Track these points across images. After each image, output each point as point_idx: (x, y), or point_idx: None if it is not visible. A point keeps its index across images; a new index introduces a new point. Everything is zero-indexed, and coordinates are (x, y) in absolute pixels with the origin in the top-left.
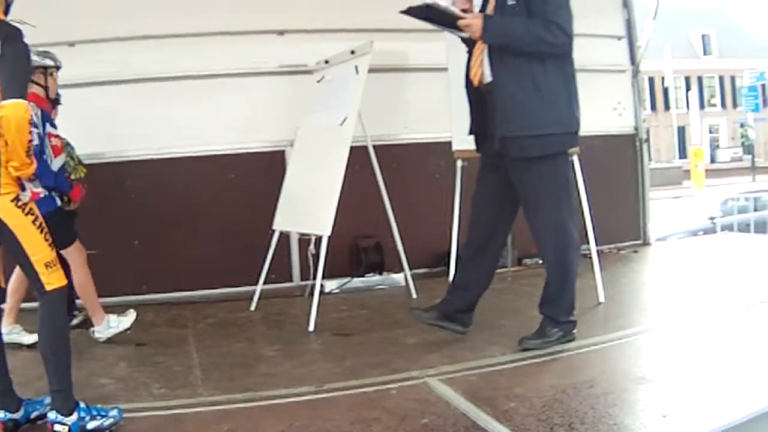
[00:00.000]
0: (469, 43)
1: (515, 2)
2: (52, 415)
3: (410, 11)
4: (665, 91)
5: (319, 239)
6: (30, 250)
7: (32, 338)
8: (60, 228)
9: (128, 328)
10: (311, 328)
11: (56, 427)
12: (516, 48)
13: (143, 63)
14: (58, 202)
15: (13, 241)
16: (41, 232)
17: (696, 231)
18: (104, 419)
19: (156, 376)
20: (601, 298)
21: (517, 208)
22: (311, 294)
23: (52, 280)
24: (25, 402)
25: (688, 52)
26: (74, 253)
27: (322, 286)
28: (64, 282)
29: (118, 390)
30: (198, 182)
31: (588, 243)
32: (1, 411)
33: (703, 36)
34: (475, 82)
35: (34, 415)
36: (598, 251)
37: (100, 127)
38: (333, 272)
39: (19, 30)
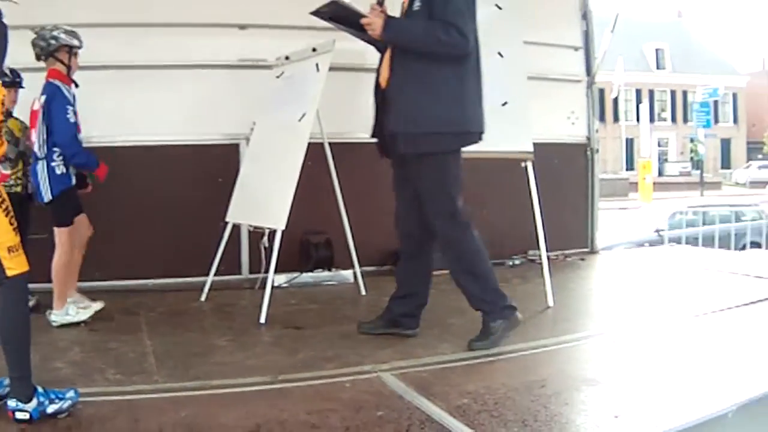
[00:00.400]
0: (382, 49)
1: (419, 8)
2: (12, 402)
3: (318, 12)
4: (615, 102)
5: (272, 233)
6: None
7: (98, 305)
8: (67, 207)
9: (84, 321)
10: (262, 320)
11: (17, 414)
12: (415, 47)
13: (103, 50)
14: (73, 181)
15: None
16: (6, 215)
17: (642, 242)
18: (62, 402)
19: (111, 361)
20: (550, 303)
21: None
22: (262, 287)
23: (14, 265)
24: (38, 394)
25: (641, 65)
26: (64, 235)
27: (274, 281)
28: (26, 268)
29: (74, 374)
30: (152, 172)
31: (538, 248)
32: (14, 401)
33: (657, 50)
34: (383, 85)
35: (50, 411)
36: (542, 257)
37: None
38: (282, 266)
39: None
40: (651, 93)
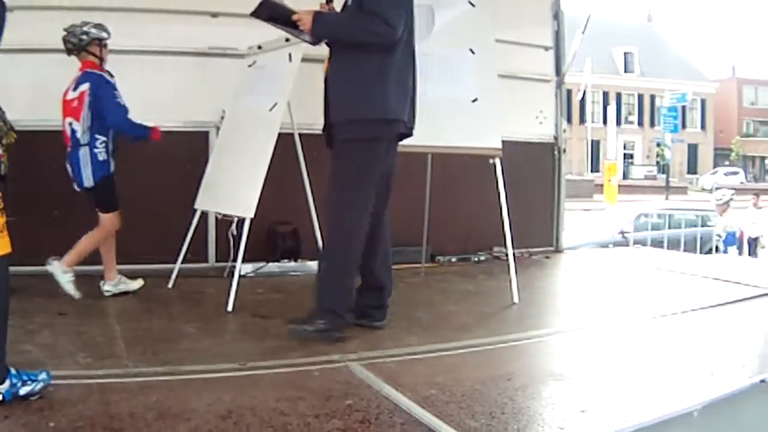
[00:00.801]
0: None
1: (352, 1)
2: None
3: (255, 14)
4: (582, 104)
5: (240, 221)
6: None
7: (138, 282)
8: (111, 192)
9: (134, 291)
10: (230, 308)
11: None
12: (345, 40)
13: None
14: (112, 168)
15: None
16: None
17: (606, 243)
18: (35, 384)
19: (80, 345)
20: (515, 299)
21: (381, 195)
22: (228, 275)
23: None
24: (11, 375)
25: (609, 68)
26: (107, 221)
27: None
28: (8, 250)
29: (44, 357)
30: (119, 158)
31: (504, 245)
32: None
33: (625, 53)
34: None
35: (22, 392)
36: (508, 253)
37: (26, 95)
38: (249, 256)
39: None
40: (618, 96)
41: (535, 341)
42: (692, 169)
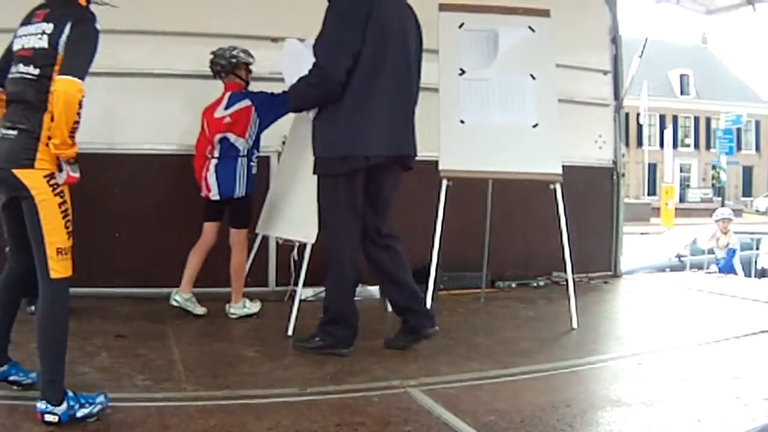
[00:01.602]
0: None
1: None
2: (41, 405)
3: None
4: (639, 127)
5: (302, 246)
6: (47, 231)
7: (201, 310)
8: (248, 208)
9: (256, 313)
10: (290, 332)
11: (47, 417)
12: (304, 102)
13: (130, 57)
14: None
15: (35, 217)
16: (64, 217)
17: (663, 267)
18: (93, 406)
19: (139, 367)
20: (575, 324)
21: (373, 219)
22: (290, 300)
23: (59, 268)
24: (11, 363)
25: (665, 90)
26: (242, 236)
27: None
28: (70, 273)
29: (101, 379)
30: (180, 180)
31: (563, 270)
32: None
33: (681, 76)
34: None
35: (12, 378)
36: (568, 279)
37: (87, 118)
38: (309, 280)
39: (93, 15)
40: (675, 119)
41: (593, 367)
42: (747, 191)
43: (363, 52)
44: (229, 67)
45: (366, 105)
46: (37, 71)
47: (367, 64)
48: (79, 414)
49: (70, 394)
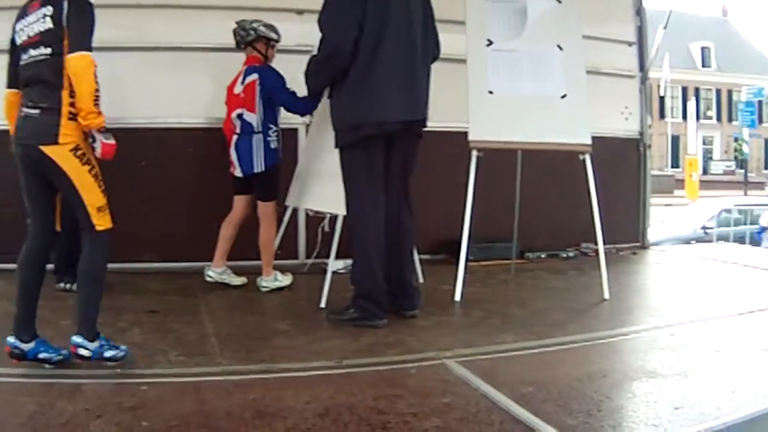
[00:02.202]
0: None
1: None
2: (77, 338)
3: None
4: (661, 99)
5: (333, 218)
6: (84, 195)
7: (240, 280)
8: (274, 181)
9: (287, 286)
10: (323, 304)
11: (80, 350)
12: (320, 82)
13: (158, 30)
14: (280, 157)
15: (70, 185)
16: (96, 179)
17: (688, 239)
18: (118, 351)
19: (172, 343)
20: (606, 295)
21: (393, 181)
22: (322, 272)
23: (102, 222)
24: (39, 340)
25: (687, 63)
26: (270, 209)
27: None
28: (110, 225)
29: (135, 355)
30: (207, 152)
31: (592, 241)
32: (14, 337)
33: (702, 48)
34: None
35: (41, 355)
36: (599, 250)
37: (116, 92)
38: (339, 252)
39: None
40: (696, 91)
41: (626, 338)
42: None
43: (366, 22)
44: (248, 38)
45: (372, 72)
46: (49, 50)
47: (371, 34)
48: (107, 354)
49: (102, 335)
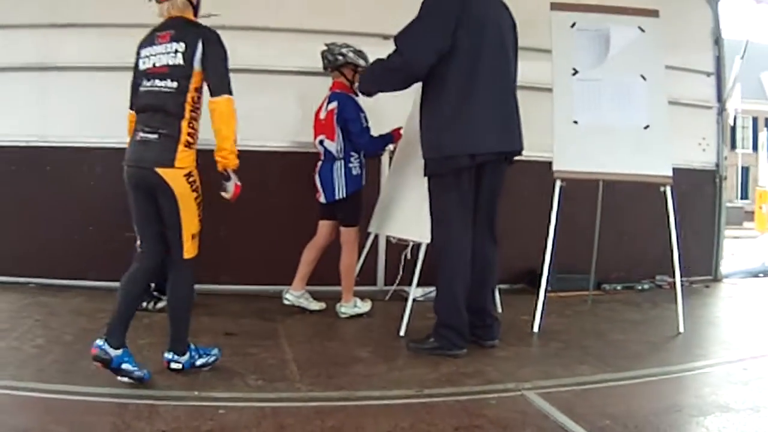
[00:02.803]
0: None
1: None
2: (168, 355)
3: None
4: (732, 129)
5: (416, 246)
6: (185, 221)
7: (318, 305)
8: (356, 207)
9: (366, 313)
10: (402, 332)
11: (172, 365)
12: (380, 85)
13: (245, 54)
14: (363, 183)
15: (174, 208)
16: (198, 208)
17: (757, 272)
18: (209, 357)
19: (250, 367)
20: (681, 329)
21: (481, 214)
22: (401, 299)
23: (192, 249)
24: (127, 350)
25: (758, 93)
26: (352, 234)
27: (407, 292)
28: (196, 252)
29: (213, 378)
30: (287, 177)
31: (668, 273)
32: (104, 341)
33: None
34: None
35: (124, 366)
36: (675, 283)
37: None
38: (418, 280)
39: (216, 33)
40: (767, 121)
41: (701, 372)
42: None
43: (459, 52)
44: (336, 63)
45: (468, 103)
46: (175, 84)
47: (466, 63)
48: (198, 363)
49: (192, 346)
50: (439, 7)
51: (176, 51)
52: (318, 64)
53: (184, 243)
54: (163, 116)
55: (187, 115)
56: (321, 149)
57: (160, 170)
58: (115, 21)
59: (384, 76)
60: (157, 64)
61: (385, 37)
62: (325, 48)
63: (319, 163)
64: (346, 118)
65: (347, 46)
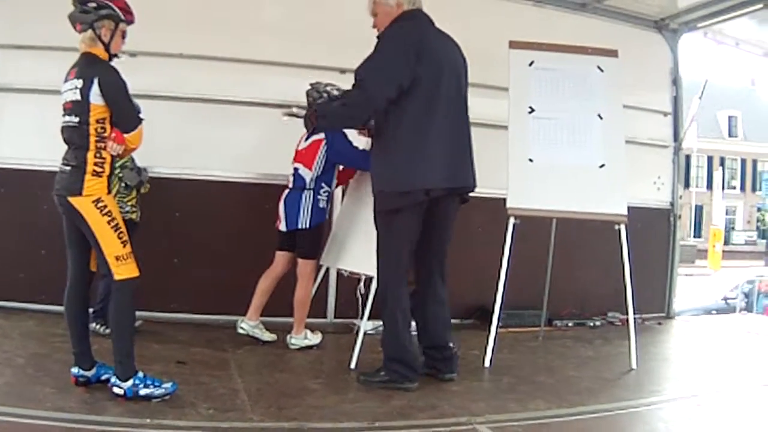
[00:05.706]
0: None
1: None
2: (113, 379)
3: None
4: (687, 168)
5: (368, 279)
6: (103, 244)
7: (270, 336)
8: (316, 240)
9: (317, 345)
10: (353, 365)
11: (114, 389)
12: (341, 123)
13: (203, 83)
14: (326, 217)
15: (89, 232)
16: (115, 230)
17: (710, 309)
18: (156, 388)
19: (201, 396)
20: (634, 365)
21: (432, 249)
22: (350, 331)
23: (122, 271)
24: (99, 365)
25: (714, 132)
26: (309, 267)
27: (357, 326)
28: (135, 274)
29: (165, 406)
30: (242, 208)
31: (619, 310)
32: (77, 368)
33: (729, 117)
34: None
35: (104, 377)
36: (627, 320)
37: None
38: (369, 313)
39: (113, 68)
40: (722, 160)
41: (655, 407)
42: None
43: (417, 86)
44: (320, 101)
45: (424, 139)
46: (77, 119)
47: (423, 99)
48: (142, 392)
49: (140, 375)
50: (400, 40)
51: (76, 87)
52: (277, 96)
53: (109, 264)
54: (73, 149)
55: (92, 146)
56: (291, 178)
57: (71, 199)
58: (68, 45)
59: (347, 113)
60: (67, 100)
61: (342, 71)
62: (309, 87)
63: (286, 191)
64: (339, 152)
65: (331, 84)
